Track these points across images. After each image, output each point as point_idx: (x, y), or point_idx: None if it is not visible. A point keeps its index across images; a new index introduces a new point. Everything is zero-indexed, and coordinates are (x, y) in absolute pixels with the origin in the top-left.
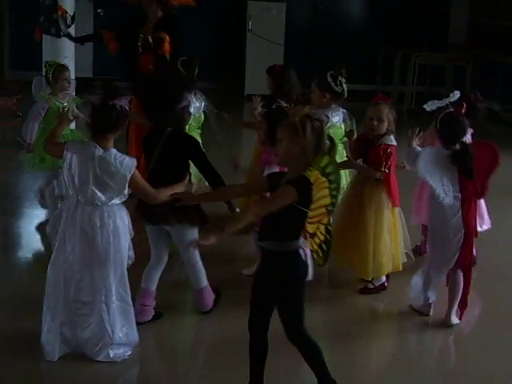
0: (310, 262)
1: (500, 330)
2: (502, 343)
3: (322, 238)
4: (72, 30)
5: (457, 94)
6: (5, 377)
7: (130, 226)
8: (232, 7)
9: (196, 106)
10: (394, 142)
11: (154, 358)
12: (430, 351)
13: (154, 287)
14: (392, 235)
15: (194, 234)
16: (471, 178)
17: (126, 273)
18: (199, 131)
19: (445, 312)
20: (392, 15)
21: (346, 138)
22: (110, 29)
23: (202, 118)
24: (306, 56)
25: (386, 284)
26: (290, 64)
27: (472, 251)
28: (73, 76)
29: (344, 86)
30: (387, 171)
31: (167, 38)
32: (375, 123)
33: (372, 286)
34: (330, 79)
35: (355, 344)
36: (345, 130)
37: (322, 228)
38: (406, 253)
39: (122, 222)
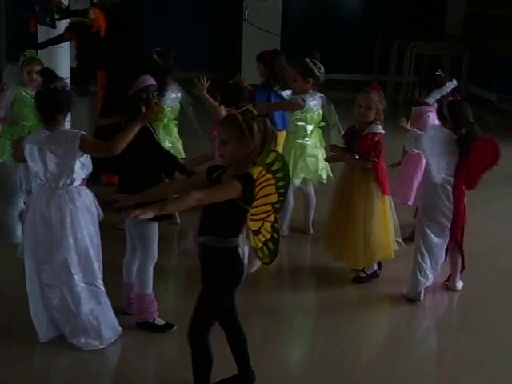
0: (246, 261)
1: (491, 318)
2: (492, 332)
3: (267, 235)
4: (67, 21)
5: (454, 82)
6: None
7: (98, 209)
8: None
9: (172, 96)
10: (382, 130)
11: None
12: (421, 339)
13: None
14: (382, 223)
15: (152, 230)
16: (464, 158)
17: (92, 255)
18: (176, 122)
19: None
20: (389, 4)
21: (323, 123)
22: (72, 26)
23: (179, 108)
24: (302, 46)
25: (377, 272)
26: (286, 54)
27: (463, 232)
28: (68, 66)
29: (322, 69)
30: (376, 160)
31: (96, 13)
32: (362, 110)
33: (364, 275)
34: (311, 65)
35: (347, 331)
36: (322, 115)
37: (268, 226)
38: (397, 241)
39: (82, 205)
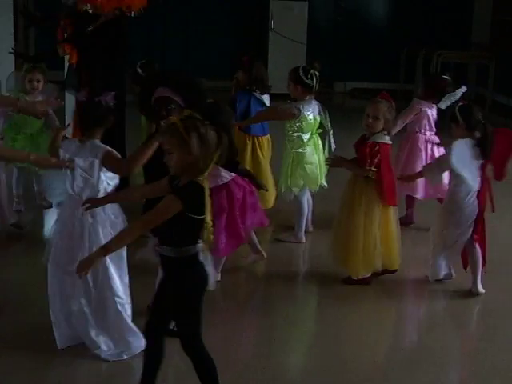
0: (211, 269)
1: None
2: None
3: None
4: None
5: (464, 88)
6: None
7: (124, 222)
8: (254, 6)
9: None
10: (387, 141)
11: None
12: (442, 345)
13: None
14: (383, 234)
15: None
16: (488, 158)
17: (112, 270)
18: None
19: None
20: (415, 13)
21: (320, 130)
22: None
23: None
24: (328, 55)
25: (369, 279)
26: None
27: (484, 226)
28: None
29: (315, 78)
30: (373, 169)
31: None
32: (370, 120)
33: (355, 278)
34: (301, 73)
35: (360, 336)
36: (320, 122)
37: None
38: None
39: (105, 219)
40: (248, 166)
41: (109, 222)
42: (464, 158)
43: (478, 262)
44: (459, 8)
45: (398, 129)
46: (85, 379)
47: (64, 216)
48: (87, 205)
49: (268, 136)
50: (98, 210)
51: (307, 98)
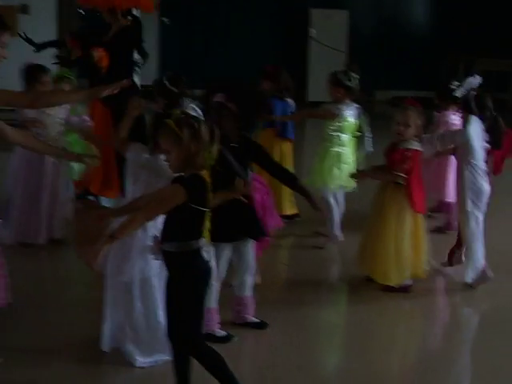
0: (214, 262)
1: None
2: None
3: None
4: None
5: (479, 78)
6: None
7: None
8: (294, 15)
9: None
10: (418, 147)
11: None
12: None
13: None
14: (413, 242)
15: (253, 245)
16: (499, 147)
17: (154, 282)
18: None
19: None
20: (456, 21)
21: (358, 133)
22: (76, 36)
23: None
24: (368, 63)
25: (409, 287)
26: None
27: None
28: (138, 83)
29: (354, 80)
30: (402, 175)
31: (99, 54)
32: (401, 128)
33: (396, 286)
34: (340, 75)
35: (378, 342)
36: (359, 125)
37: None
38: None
39: (154, 231)
40: None
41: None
42: (477, 134)
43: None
44: (501, 16)
45: (438, 149)
46: None
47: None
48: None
49: (289, 142)
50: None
51: (347, 100)
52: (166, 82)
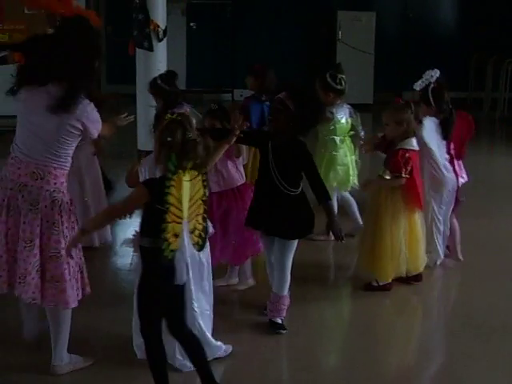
0: (180, 265)
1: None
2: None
3: (200, 227)
4: (164, 44)
5: (438, 72)
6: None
7: (209, 226)
8: (322, 17)
9: None
10: (415, 147)
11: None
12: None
13: None
14: (409, 239)
15: (293, 245)
16: (448, 140)
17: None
18: None
19: None
20: (484, 20)
21: (352, 132)
22: (19, 48)
23: None
24: (396, 65)
25: (389, 285)
26: (380, 73)
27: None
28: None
29: (343, 82)
30: (408, 177)
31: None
32: (387, 127)
33: (376, 284)
34: (329, 79)
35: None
36: (352, 125)
37: (200, 218)
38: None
39: None
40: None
41: None
42: (432, 134)
43: (457, 233)
44: None
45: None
46: None
47: None
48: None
49: None
50: None
51: (338, 102)
52: (159, 81)
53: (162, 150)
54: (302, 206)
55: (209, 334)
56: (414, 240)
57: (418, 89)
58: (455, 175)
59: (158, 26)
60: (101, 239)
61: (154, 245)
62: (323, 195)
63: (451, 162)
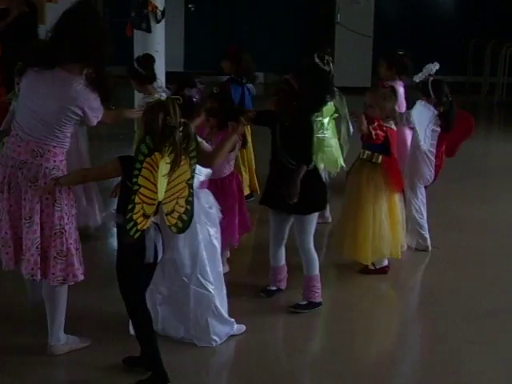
0: (149, 244)
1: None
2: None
3: (181, 210)
4: (162, 25)
5: (437, 65)
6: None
7: (218, 212)
8: (320, 0)
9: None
10: (393, 127)
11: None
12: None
13: (281, 262)
14: (390, 221)
15: (314, 219)
16: (449, 131)
17: (205, 259)
18: None
19: None
20: (483, 5)
21: (336, 114)
22: None
23: None
24: (395, 48)
25: (386, 268)
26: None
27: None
28: (163, 70)
29: (331, 64)
30: (370, 132)
31: None
32: (368, 109)
33: (372, 267)
34: (317, 59)
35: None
36: (335, 107)
37: (182, 201)
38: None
39: (199, 209)
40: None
41: (203, 211)
42: (422, 118)
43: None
44: None
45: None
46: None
47: None
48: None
49: None
50: (202, 199)
51: None
52: (135, 64)
53: (143, 131)
54: (315, 181)
55: (225, 314)
56: (395, 222)
57: (417, 81)
58: (437, 170)
59: (156, 8)
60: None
61: (124, 223)
62: (305, 159)
63: (439, 155)
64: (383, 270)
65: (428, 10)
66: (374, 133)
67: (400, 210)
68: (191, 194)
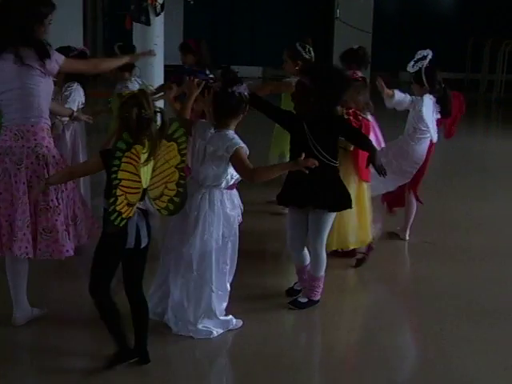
0: (131, 229)
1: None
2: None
3: (172, 193)
4: (161, 18)
5: (431, 52)
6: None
7: (238, 215)
8: None
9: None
10: (370, 119)
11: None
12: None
13: (306, 262)
14: (358, 209)
15: (331, 220)
16: (449, 115)
17: (213, 260)
18: None
19: None
20: (482, 2)
21: None
22: None
23: None
24: (394, 44)
25: (354, 252)
26: (378, 52)
27: (419, 185)
28: (162, 63)
29: (312, 53)
30: (347, 117)
31: None
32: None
33: (360, 256)
34: (299, 48)
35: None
36: None
37: (172, 185)
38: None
39: (221, 209)
40: None
41: (223, 213)
42: (429, 111)
43: (412, 212)
44: None
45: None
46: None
47: (193, 198)
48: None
49: None
50: (218, 198)
51: None
52: (117, 50)
53: (119, 126)
54: (340, 179)
55: (224, 311)
56: (363, 210)
57: (411, 70)
58: (429, 154)
59: (156, 0)
60: None
61: (108, 209)
62: (370, 145)
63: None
64: (351, 253)
65: (427, 6)
66: (346, 117)
67: (368, 198)
68: (183, 178)
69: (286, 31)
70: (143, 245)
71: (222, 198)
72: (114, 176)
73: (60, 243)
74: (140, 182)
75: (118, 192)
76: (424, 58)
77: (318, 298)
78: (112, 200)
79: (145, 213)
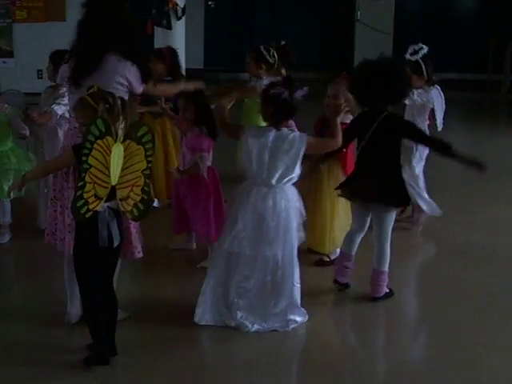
0: (102, 226)
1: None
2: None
3: (137, 198)
4: (183, 22)
5: (425, 48)
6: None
7: (302, 208)
8: None
9: None
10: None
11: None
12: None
13: (353, 251)
14: (347, 211)
15: (393, 215)
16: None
17: (294, 254)
18: None
19: None
20: (504, 3)
21: None
22: None
23: None
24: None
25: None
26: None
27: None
28: (183, 67)
29: (276, 57)
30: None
31: None
32: (331, 100)
33: (327, 259)
34: (263, 51)
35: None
36: None
37: (138, 190)
38: None
39: (292, 203)
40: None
41: (294, 208)
42: (438, 102)
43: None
44: None
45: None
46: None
47: (248, 201)
48: None
49: None
50: (290, 194)
51: (265, 76)
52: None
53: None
54: (402, 177)
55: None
56: (348, 215)
57: (413, 58)
58: None
59: (177, 5)
60: None
61: (76, 193)
62: (444, 146)
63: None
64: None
65: (448, 7)
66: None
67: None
68: (147, 184)
69: (308, 34)
70: (116, 244)
71: (290, 192)
72: (84, 159)
73: (133, 245)
74: (109, 176)
75: (87, 178)
76: (422, 48)
77: (383, 292)
78: (81, 184)
79: (116, 212)
